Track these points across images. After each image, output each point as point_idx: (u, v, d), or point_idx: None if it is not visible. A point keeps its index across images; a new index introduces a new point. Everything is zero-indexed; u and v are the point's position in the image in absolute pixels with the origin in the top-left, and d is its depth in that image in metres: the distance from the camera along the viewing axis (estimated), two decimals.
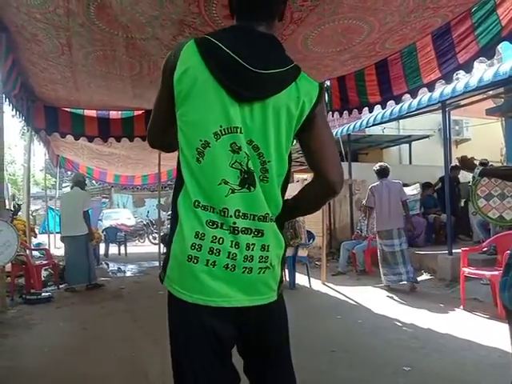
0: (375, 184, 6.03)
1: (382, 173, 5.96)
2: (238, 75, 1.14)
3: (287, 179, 1.26)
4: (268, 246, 1.18)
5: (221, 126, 1.15)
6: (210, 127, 1.15)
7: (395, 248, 5.72)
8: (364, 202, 6.18)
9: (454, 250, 6.01)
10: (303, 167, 13.76)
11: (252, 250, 1.16)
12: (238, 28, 1.24)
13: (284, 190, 1.25)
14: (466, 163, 2.63)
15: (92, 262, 6.47)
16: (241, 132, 1.15)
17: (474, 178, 4.03)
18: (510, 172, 2.49)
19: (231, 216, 1.15)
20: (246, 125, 1.16)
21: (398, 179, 6.11)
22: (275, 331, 1.29)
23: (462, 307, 4.56)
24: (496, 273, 4.25)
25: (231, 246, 1.15)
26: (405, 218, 5.88)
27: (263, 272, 1.18)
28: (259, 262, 1.17)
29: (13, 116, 6.37)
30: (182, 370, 1.23)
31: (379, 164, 6.17)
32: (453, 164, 7.55)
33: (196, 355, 1.19)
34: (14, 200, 10.94)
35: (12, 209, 7.21)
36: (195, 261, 1.14)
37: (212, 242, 1.14)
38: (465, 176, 8.36)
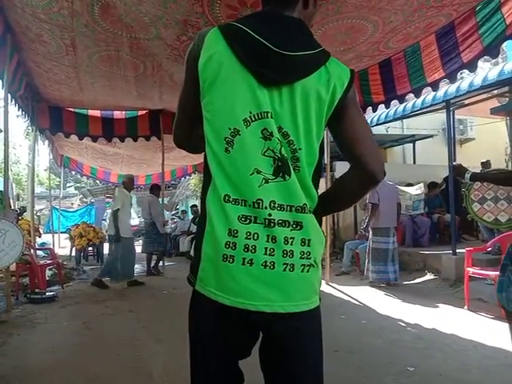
0: None
1: None
2: (265, 58, 1.08)
3: (318, 170, 1.17)
4: (309, 240, 1.08)
5: (250, 112, 1.08)
6: (239, 113, 1.08)
7: (389, 246, 5.99)
8: (368, 199, 6.20)
9: (458, 250, 5.99)
10: None
11: (291, 244, 1.06)
12: (264, 13, 1.19)
13: (316, 181, 1.16)
14: (458, 170, 2.72)
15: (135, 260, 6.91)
16: (271, 117, 1.08)
17: (466, 183, 4.17)
18: (500, 176, 2.61)
19: (266, 208, 1.06)
20: (275, 110, 1.09)
21: (402, 179, 6.15)
22: (309, 350, 1.13)
23: (466, 307, 4.54)
24: None
25: (267, 241, 1.05)
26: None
27: (307, 270, 1.07)
28: (301, 258, 1.06)
29: (17, 116, 6.43)
30: (200, 372, 1.17)
31: None
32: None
33: (216, 357, 1.13)
34: (18, 200, 11.01)
35: (17, 209, 7.26)
36: (231, 260, 1.05)
37: (246, 238, 1.05)
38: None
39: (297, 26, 1.15)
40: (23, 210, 8.10)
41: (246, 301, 1.04)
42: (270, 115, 1.08)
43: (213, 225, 1.07)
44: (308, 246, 1.08)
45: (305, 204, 1.09)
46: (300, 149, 1.09)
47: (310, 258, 1.08)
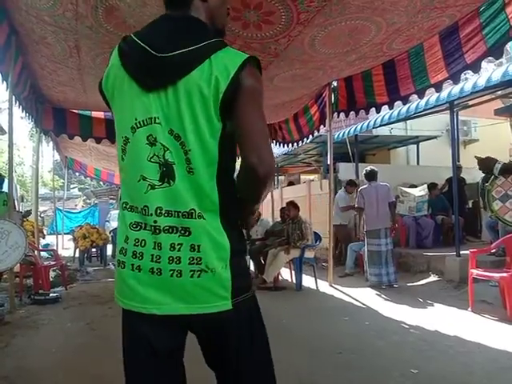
0: (364, 186, 6.37)
1: (371, 176, 6.27)
2: (143, 64, 1.10)
3: (227, 168, 1.11)
4: (199, 246, 1.06)
5: (136, 119, 1.10)
6: (128, 122, 1.12)
7: (381, 248, 6.01)
8: (356, 204, 6.37)
9: (462, 252, 5.96)
10: (310, 168, 13.78)
11: (178, 250, 1.06)
12: (158, 18, 1.19)
13: (226, 181, 1.11)
14: (486, 162, 2.34)
15: None
16: (158, 122, 1.08)
17: (489, 177, 3.81)
18: None
19: (151, 214, 1.08)
20: (165, 114, 1.08)
21: (405, 180, 6.18)
22: (232, 348, 1.13)
23: (470, 309, 4.51)
24: (505, 274, 4.21)
25: (154, 248, 1.07)
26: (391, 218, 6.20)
27: (197, 276, 1.05)
28: (189, 263, 1.05)
29: (22, 118, 6.46)
30: (125, 373, 1.19)
31: (367, 168, 6.45)
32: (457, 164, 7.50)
33: (132, 361, 1.16)
34: (22, 201, 11.05)
35: (22, 212, 7.28)
36: (122, 266, 1.11)
37: (135, 245, 1.09)
38: (473, 177, 8.31)
39: (184, 24, 1.13)
40: (28, 213, 8.12)
41: (139, 304, 1.09)
42: (155, 120, 1.08)
43: (117, 230, 1.16)
44: (198, 251, 1.06)
45: (192, 209, 1.06)
46: (190, 150, 1.06)
47: (200, 264, 1.05)
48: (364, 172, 6.40)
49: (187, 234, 1.06)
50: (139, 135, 1.09)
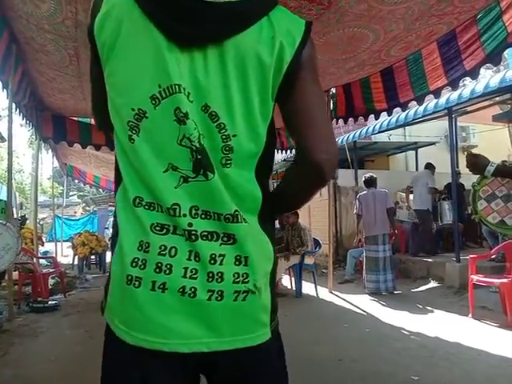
0: (362, 193, 6.41)
1: (369, 182, 6.31)
2: (179, 6, 0.79)
3: (268, 160, 0.89)
4: (246, 258, 0.81)
5: (160, 86, 0.79)
6: (145, 89, 0.80)
7: (379, 254, 6.01)
8: (354, 210, 6.44)
9: (461, 257, 5.96)
10: None
11: (221, 263, 0.79)
12: None
13: (264, 175, 0.88)
14: (476, 161, 2.00)
15: None
16: (185, 92, 0.79)
17: (481, 177, 3.70)
18: None
19: (184, 215, 0.80)
20: (199, 82, 0.79)
21: (404, 186, 6.18)
22: None
23: (470, 315, 4.50)
24: (505, 280, 4.20)
25: (189, 259, 0.79)
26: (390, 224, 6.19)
27: (243, 299, 0.80)
28: (234, 282, 0.79)
29: (21, 125, 6.47)
30: None
31: (366, 175, 6.51)
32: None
33: None
34: (21, 208, 11.03)
35: (19, 218, 7.26)
36: (136, 283, 0.79)
37: (160, 254, 0.79)
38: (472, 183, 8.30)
39: None
40: (24, 219, 8.09)
41: (156, 338, 0.78)
42: (182, 89, 0.79)
43: (121, 235, 0.84)
44: (245, 265, 0.81)
45: (236, 211, 0.81)
46: (235, 135, 0.80)
47: (247, 282, 0.80)
48: (363, 179, 6.44)
49: (231, 241, 0.81)
50: (165, 108, 0.79)
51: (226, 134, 0.80)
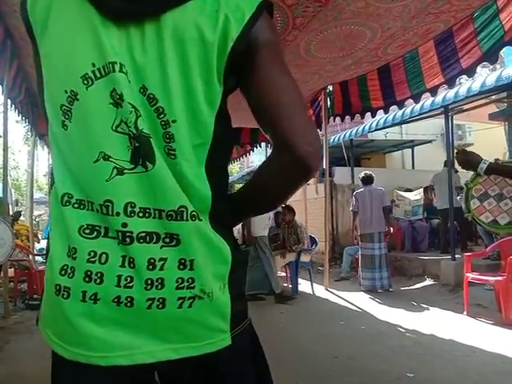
0: (359, 190, 6.40)
1: (367, 180, 6.30)
2: None
3: (221, 156, 0.79)
4: (192, 261, 0.70)
5: (93, 65, 0.70)
6: (77, 68, 0.70)
7: (375, 252, 6.01)
8: (351, 207, 6.45)
9: (457, 256, 5.99)
10: None
11: (161, 268, 0.69)
12: None
13: (218, 172, 0.77)
14: (467, 158, 1.94)
15: None
16: (123, 70, 0.69)
17: (474, 175, 3.42)
18: None
19: (118, 214, 0.69)
20: (135, 61, 0.70)
21: (400, 184, 6.19)
22: None
23: (465, 313, 4.52)
24: (500, 278, 4.23)
25: (122, 266, 0.69)
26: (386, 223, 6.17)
27: (189, 305, 0.70)
28: (177, 288, 0.70)
29: (17, 121, 6.44)
30: None
31: (364, 172, 6.51)
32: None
33: None
34: (17, 205, 10.99)
35: (12, 214, 7.23)
36: (65, 294, 0.70)
37: (89, 261, 0.69)
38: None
39: None
40: (18, 214, 8.05)
41: (91, 353, 0.70)
42: (119, 68, 0.69)
43: (51, 239, 0.74)
44: (190, 269, 0.70)
45: (183, 206, 0.70)
46: (174, 121, 0.70)
47: (193, 288, 0.70)
48: (361, 176, 6.45)
49: (174, 243, 0.70)
50: (98, 89, 0.70)
51: (164, 119, 0.70)
